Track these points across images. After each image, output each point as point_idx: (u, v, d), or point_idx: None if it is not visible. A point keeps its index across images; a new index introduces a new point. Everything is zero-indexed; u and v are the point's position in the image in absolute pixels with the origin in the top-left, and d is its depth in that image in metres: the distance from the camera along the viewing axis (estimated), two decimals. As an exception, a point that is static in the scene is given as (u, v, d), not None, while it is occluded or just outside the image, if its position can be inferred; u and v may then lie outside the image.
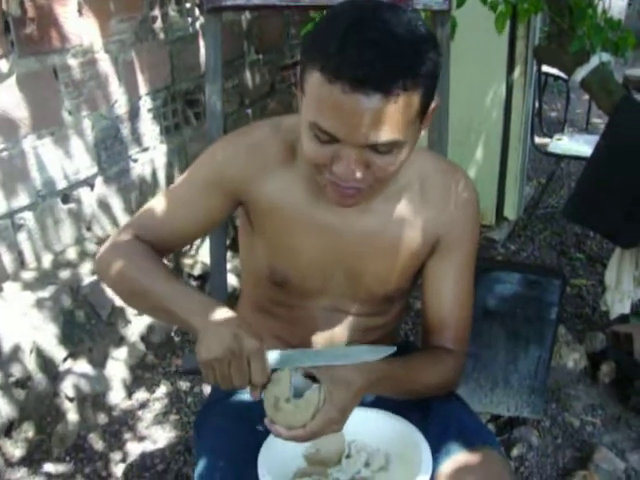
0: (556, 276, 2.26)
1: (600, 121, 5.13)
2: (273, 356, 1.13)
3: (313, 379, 1.11)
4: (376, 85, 0.99)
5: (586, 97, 4.39)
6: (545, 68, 3.96)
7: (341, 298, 1.36)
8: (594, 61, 2.26)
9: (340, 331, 1.39)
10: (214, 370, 1.08)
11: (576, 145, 3.78)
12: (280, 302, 1.38)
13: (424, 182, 1.29)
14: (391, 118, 1.02)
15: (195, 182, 1.31)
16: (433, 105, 1.12)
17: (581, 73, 2.28)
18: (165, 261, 1.34)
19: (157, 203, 1.32)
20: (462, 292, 1.33)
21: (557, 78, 5.11)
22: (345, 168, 1.07)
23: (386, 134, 1.04)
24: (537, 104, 4.00)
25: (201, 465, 1.26)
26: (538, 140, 3.94)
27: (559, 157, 3.83)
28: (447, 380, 1.32)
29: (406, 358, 1.28)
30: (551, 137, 4.01)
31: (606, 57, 2.28)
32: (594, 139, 2.40)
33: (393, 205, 1.28)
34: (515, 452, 2.23)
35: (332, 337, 1.39)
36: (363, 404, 1.24)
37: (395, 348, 1.17)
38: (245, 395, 1.36)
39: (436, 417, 1.29)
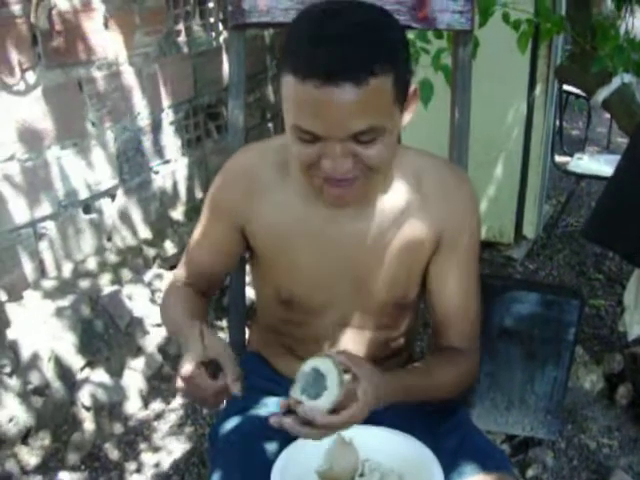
0: (574, 296, 2.24)
1: (622, 140, 5.10)
2: None
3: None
4: (345, 75, 1.03)
5: (607, 116, 4.38)
6: (567, 87, 3.95)
7: (350, 311, 1.36)
8: (616, 82, 2.26)
9: (352, 346, 1.38)
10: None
11: (597, 165, 3.76)
12: (290, 321, 1.39)
13: (421, 180, 1.29)
14: (365, 105, 1.05)
15: (205, 220, 1.38)
16: (412, 89, 1.15)
17: (603, 94, 2.28)
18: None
19: (189, 246, 1.42)
20: (467, 290, 1.34)
21: (578, 97, 5.09)
22: (332, 163, 1.10)
23: (363, 122, 1.07)
24: (558, 122, 3.99)
25: (215, 478, 1.26)
26: (558, 159, 3.92)
27: (579, 176, 3.82)
28: (461, 381, 1.33)
29: (421, 365, 1.31)
30: (572, 156, 3.99)
31: (628, 78, 2.27)
32: (615, 159, 2.39)
33: (391, 207, 1.28)
34: (530, 473, 2.21)
35: None
36: (377, 423, 1.24)
37: None
38: (260, 409, 1.37)
39: (449, 438, 1.29)
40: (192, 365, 1.10)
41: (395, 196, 1.28)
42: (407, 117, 1.18)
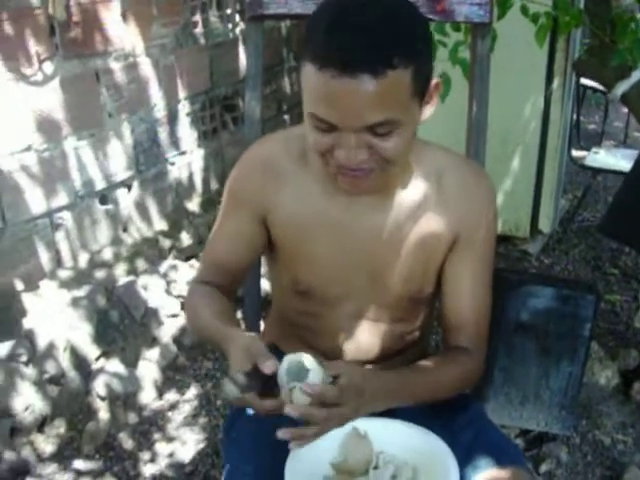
0: (590, 291, 2.23)
1: (639, 135, 5.06)
2: None
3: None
4: (362, 66, 1.02)
5: (625, 110, 4.34)
6: (584, 80, 3.92)
7: (365, 303, 1.35)
8: (635, 76, 2.24)
9: (367, 339, 1.38)
10: None
11: (613, 159, 3.73)
12: (306, 312, 1.39)
13: (441, 177, 1.28)
14: (382, 97, 1.04)
15: (226, 213, 1.36)
16: (434, 82, 1.14)
17: (622, 87, 2.26)
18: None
19: (209, 243, 1.39)
20: (480, 290, 1.33)
21: (595, 90, 5.06)
22: (346, 153, 1.09)
23: (379, 114, 1.05)
24: (575, 116, 3.96)
25: (229, 470, 1.27)
26: (575, 153, 3.90)
27: (596, 171, 3.79)
28: (464, 379, 1.33)
29: (421, 364, 1.30)
30: (588, 150, 3.97)
31: (647, 72, 2.26)
32: (632, 153, 2.38)
33: (409, 201, 1.27)
34: (544, 468, 2.21)
35: (359, 345, 1.39)
36: (392, 416, 1.24)
37: None
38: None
39: (464, 432, 1.29)
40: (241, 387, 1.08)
41: (414, 191, 1.28)
42: (428, 111, 1.16)
